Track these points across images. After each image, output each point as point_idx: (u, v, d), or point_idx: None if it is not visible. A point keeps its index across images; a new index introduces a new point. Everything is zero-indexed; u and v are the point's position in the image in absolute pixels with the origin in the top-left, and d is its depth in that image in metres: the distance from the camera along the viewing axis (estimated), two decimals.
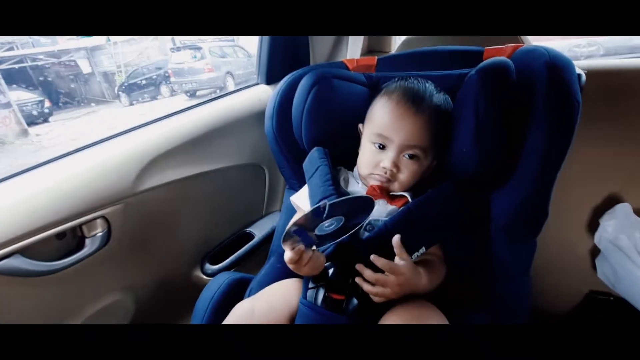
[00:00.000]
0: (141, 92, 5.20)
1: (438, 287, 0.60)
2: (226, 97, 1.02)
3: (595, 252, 0.90)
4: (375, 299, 0.54)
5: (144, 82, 5.20)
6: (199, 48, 5.07)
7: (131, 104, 5.09)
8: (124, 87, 5.25)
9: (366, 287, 0.54)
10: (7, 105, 3.58)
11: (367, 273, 0.54)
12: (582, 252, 0.93)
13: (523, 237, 0.63)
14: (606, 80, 0.82)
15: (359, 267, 0.54)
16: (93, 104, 5.23)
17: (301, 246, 0.53)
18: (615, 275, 0.83)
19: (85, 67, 5.13)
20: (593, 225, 0.89)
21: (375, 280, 0.53)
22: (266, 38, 1.00)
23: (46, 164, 0.73)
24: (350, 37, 1.15)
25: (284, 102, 0.77)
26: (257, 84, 1.09)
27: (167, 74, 5.13)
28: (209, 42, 5.19)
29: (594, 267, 0.90)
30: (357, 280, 0.55)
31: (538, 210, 0.59)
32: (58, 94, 4.85)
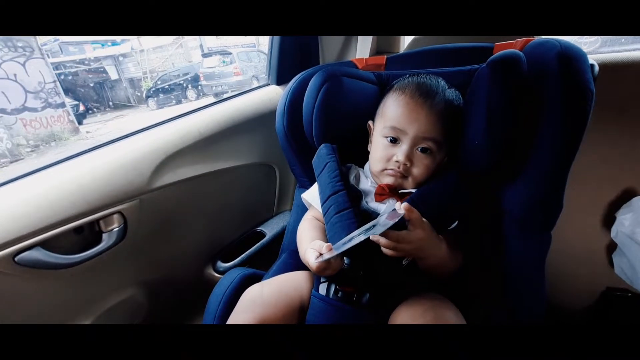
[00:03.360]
0: (168, 96, 5.59)
1: (454, 273, 0.59)
2: (238, 97, 1.03)
3: (611, 247, 0.88)
4: (387, 251, 0.52)
5: (171, 86, 5.61)
6: (229, 53, 5.47)
7: (159, 107, 5.50)
8: (151, 92, 5.67)
9: (382, 242, 0.51)
10: (62, 105, 3.97)
11: (389, 232, 0.50)
12: (599, 248, 0.90)
13: (537, 230, 0.62)
14: (620, 74, 0.81)
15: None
16: (123, 108, 5.77)
17: (327, 255, 0.53)
18: (632, 270, 0.80)
19: (113, 74, 5.53)
20: (609, 220, 0.86)
21: (397, 238, 0.50)
22: (277, 40, 1.02)
23: (66, 161, 0.75)
24: (359, 38, 1.16)
25: (295, 100, 0.78)
26: (268, 84, 1.11)
27: (194, 79, 5.52)
28: (234, 48, 5.60)
29: (611, 263, 0.88)
30: (372, 237, 0.51)
31: (552, 202, 0.59)
32: (91, 98, 5.42)
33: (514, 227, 0.64)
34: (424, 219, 0.53)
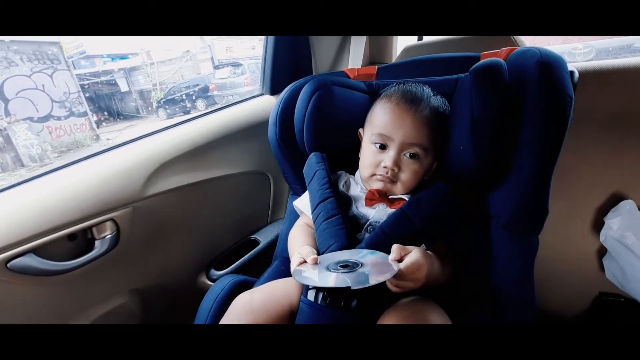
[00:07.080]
0: (178, 107, 5.85)
1: (443, 284, 0.59)
2: (232, 107, 1.05)
3: (602, 252, 0.88)
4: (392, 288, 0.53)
5: (181, 97, 5.87)
6: (240, 65, 5.78)
7: (169, 117, 5.77)
8: (161, 103, 5.92)
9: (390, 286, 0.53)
10: (84, 114, 4.37)
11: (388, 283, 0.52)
12: (589, 253, 0.90)
13: (524, 234, 0.63)
14: (606, 80, 0.83)
15: None
16: (133, 118, 6.07)
17: (308, 279, 0.53)
18: (623, 274, 0.80)
19: (124, 86, 5.91)
20: (598, 225, 0.87)
21: (396, 284, 0.52)
22: (270, 50, 1.04)
23: (61, 169, 0.75)
24: (352, 49, 1.18)
25: (287, 109, 0.79)
26: (262, 94, 1.12)
27: (203, 90, 5.79)
28: (244, 60, 5.92)
29: (602, 267, 0.88)
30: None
31: (537, 207, 0.59)
32: (103, 109, 5.72)
33: (501, 232, 0.64)
34: (419, 257, 0.53)
